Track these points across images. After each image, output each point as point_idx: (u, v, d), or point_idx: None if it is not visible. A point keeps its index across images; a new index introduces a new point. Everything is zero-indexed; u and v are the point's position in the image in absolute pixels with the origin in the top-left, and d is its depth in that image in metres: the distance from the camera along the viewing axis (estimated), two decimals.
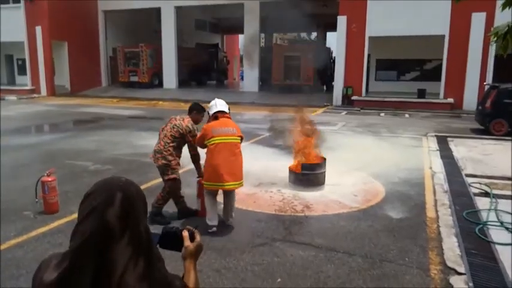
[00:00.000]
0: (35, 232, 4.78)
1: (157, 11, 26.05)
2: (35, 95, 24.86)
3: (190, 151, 5.10)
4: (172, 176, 5.02)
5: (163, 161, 4.98)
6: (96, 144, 10.11)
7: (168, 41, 25.83)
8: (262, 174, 7.07)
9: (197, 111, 5.18)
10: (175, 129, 5.00)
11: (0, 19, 24.65)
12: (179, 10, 25.78)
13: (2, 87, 25.43)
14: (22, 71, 27.52)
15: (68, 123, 14.83)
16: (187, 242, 1.25)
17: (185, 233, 1.26)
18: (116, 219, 1.01)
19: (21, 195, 5.98)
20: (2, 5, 26.13)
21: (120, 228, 1.01)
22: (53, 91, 25.43)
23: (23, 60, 26.66)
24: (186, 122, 5.04)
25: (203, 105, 5.35)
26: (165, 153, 4.98)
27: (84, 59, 26.26)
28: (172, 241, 1.25)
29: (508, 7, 2.91)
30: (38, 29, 24.67)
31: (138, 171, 7.26)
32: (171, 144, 4.99)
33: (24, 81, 26.53)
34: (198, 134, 4.95)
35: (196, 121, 5.17)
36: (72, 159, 8.59)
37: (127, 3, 25.57)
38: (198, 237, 1.28)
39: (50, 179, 5.36)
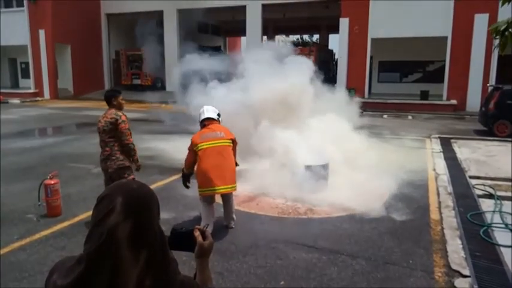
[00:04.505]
0: (38, 235, 4.78)
1: (159, 14, 26.11)
2: (38, 98, 24.97)
3: (123, 140, 4.80)
4: (131, 178, 4.84)
5: (118, 162, 4.81)
6: (99, 147, 10.11)
7: (171, 43, 25.88)
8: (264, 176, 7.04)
9: (114, 97, 4.87)
10: (110, 127, 4.78)
11: (3, 22, 24.83)
12: (181, 13, 25.84)
13: (6, 91, 25.57)
14: (25, 74, 27.68)
15: (71, 126, 14.87)
16: (201, 241, 1.25)
17: (197, 232, 1.26)
18: (122, 223, 1.00)
19: (24, 198, 5.99)
20: (6, 9, 26.32)
21: (129, 231, 1.00)
22: (56, 94, 25.54)
23: (27, 64, 26.80)
24: (109, 113, 4.81)
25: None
26: (116, 155, 4.81)
27: (87, 62, 26.35)
28: (183, 241, 1.25)
29: (507, 3, 2.92)
30: (42, 33, 24.79)
31: (141, 173, 7.26)
32: (115, 145, 4.82)
33: (28, 85, 26.65)
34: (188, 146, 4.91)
35: (120, 107, 4.91)
36: (75, 162, 8.62)
37: (130, 7, 25.66)
38: (209, 236, 1.28)
39: (52, 182, 5.36)
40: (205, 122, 4.97)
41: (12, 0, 27.20)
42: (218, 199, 5.11)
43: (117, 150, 4.83)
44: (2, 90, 25.42)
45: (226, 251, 4.35)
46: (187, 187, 5.09)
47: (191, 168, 4.92)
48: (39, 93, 25.61)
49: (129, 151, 4.87)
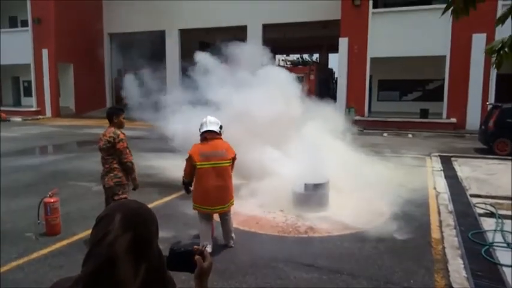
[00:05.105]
0: (36, 254, 4.75)
1: (162, 34, 26.45)
2: (40, 116, 25.12)
3: (122, 159, 4.81)
4: (123, 196, 4.81)
5: (115, 179, 4.82)
6: (100, 165, 10.12)
7: (173, 62, 26.17)
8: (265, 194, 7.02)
9: (116, 115, 4.90)
10: (108, 145, 4.81)
11: (7, 42, 25.21)
12: (183, 33, 26.20)
13: (8, 109, 25.78)
14: (28, 92, 27.91)
15: (72, 144, 14.92)
16: (201, 262, 1.23)
17: (198, 254, 1.24)
18: (121, 243, 1.00)
19: (23, 216, 5.97)
20: (11, 29, 26.79)
21: (127, 244, 1.00)
22: (57, 112, 25.70)
23: (29, 82, 27.05)
24: (109, 131, 4.84)
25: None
26: (114, 172, 4.83)
27: (89, 81, 26.59)
28: (182, 262, 1.22)
29: (501, 24, 2.99)
30: (45, 52, 25.12)
31: (141, 192, 7.24)
32: (114, 162, 4.84)
33: (30, 103, 26.86)
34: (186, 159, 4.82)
35: (120, 125, 4.92)
36: (75, 180, 8.62)
37: (132, 26, 26.04)
38: (208, 256, 1.26)
39: (52, 200, 5.36)
40: (206, 135, 4.77)
41: (17, 20, 27.71)
42: (217, 217, 5.08)
43: (116, 167, 4.85)
44: (5, 108, 25.63)
45: (225, 271, 4.31)
46: (189, 192, 4.97)
47: (191, 177, 4.81)
48: (41, 111, 25.78)
49: (127, 169, 4.89)
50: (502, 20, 3.01)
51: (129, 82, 8.18)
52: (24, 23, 26.28)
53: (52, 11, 24.49)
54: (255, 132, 6.95)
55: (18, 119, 23.70)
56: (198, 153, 4.68)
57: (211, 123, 4.82)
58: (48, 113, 25.60)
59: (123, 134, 4.88)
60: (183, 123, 7.47)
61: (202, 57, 8.06)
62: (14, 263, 4.49)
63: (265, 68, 8.04)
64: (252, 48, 8.54)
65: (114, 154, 4.83)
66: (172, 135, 7.96)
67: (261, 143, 7.05)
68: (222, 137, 4.96)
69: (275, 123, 7.13)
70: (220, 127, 4.89)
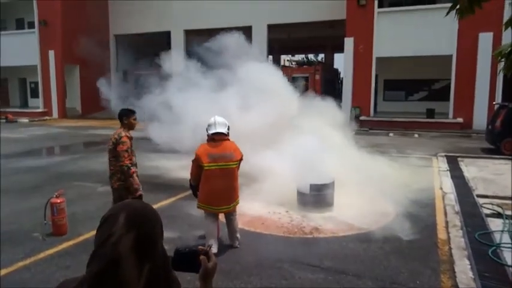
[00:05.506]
0: (42, 254, 4.78)
1: (167, 35, 26.54)
2: (47, 118, 25.30)
3: (119, 162, 4.73)
4: (138, 194, 4.78)
5: (119, 182, 4.80)
6: (106, 165, 10.13)
7: (178, 63, 26.21)
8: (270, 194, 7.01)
9: (126, 116, 4.87)
10: (112, 147, 4.78)
11: (14, 44, 25.41)
12: (188, 33, 26.27)
13: (15, 110, 26.02)
14: (35, 94, 28.14)
15: (78, 145, 15.00)
16: (206, 262, 1.23)
17: (202, 254, 1.24)
18: (125, 243, 1.00)
19: (30, 217, 6.01)
20: (17, 31, 27.02)
21: (132, 244, 1.00)
22: (64, 113, 25.86)
23: (36, 84, 27.26)
24: (116, 133, 4.83)
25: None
26: (117, 175, 4.80)
27: (95, 82, 26.68)
28: (187, 262, 1.22)
29: (510, 27, 2.96)
30: (51, 53, 25.30)
31: (146, 192, 7.26)
32: (117, 164, 4.80)
33: (37, 104, 27.07)
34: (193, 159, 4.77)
35: (131, 126, 4.91)
36: (81, 180, 8.66)
37: (138, 27, 26.14)
38: (213, 257, 1.26)
39: (59, 201, 5.39)
40: (214, 137, 4.75)
41: (24, 22, 27.94)
42: (222, 217, 5.08)
43: (119, 169, 4.82)
44: (12, 110, 25.85)
45: (230, 271, 4.31)
46: (197, 196, 4.94)
47: (198, 179, 4.77)
48: (48, 112, 25.96)
49: (123, 173, 4.76)
50: (510, 23, 2.97)
51: (102, 85, 8.34)
52: (31, 25, 26.48)
53: (59, 12, 24.65)
54: (249, 133, 6.92)
55: (25, 120, 23.89)
56: (205, 154, 4.65)
57: (220, 124, 4.78)
58: (55, 114, 25.79)
59: (127, 136, 4.81)
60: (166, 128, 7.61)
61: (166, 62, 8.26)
62: (21, 263, 4.53)
63: (258, 66, 8.11)
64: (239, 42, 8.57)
65: (115, 156, 4.81)
66: (156, 138, 8.09)
67: (256, 143, 7.03)
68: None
69: (269, 124, 7.16)
70: (228, 128, 4.87)
